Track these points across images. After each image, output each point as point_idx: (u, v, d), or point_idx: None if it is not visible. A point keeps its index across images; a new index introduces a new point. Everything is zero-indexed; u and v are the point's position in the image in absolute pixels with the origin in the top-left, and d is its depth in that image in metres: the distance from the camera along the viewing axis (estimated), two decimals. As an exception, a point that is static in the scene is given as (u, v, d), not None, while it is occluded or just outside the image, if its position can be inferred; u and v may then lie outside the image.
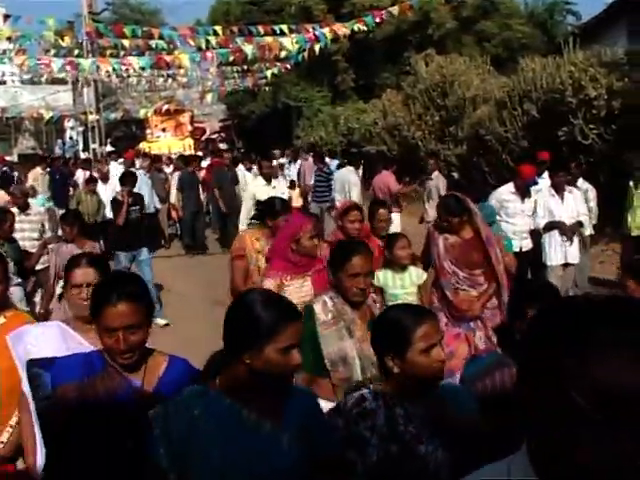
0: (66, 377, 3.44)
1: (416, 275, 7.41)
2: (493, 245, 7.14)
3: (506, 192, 11.97)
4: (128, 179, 13.61)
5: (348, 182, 16.13)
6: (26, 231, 11.50)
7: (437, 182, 15.52)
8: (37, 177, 21.63)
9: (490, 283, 7.13)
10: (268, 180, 13.69)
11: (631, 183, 12.37)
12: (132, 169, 19.36)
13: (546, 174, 13.25)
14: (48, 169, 23.00)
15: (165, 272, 15.94)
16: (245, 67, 32.95)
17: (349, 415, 3.37)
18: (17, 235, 10.84)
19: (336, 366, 4.67)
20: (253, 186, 13.74)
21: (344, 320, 4.75)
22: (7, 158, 35.84)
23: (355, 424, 3.33)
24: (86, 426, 3.29)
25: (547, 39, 38.17)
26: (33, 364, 3.55)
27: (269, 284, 5.94)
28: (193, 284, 15.44)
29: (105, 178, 18.59)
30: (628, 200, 12.40)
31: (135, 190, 16.59)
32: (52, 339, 3.96)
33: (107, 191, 17.65)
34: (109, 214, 16.74)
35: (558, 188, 11.40)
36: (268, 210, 7.72)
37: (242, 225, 12.01)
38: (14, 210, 11.26)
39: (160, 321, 11.94)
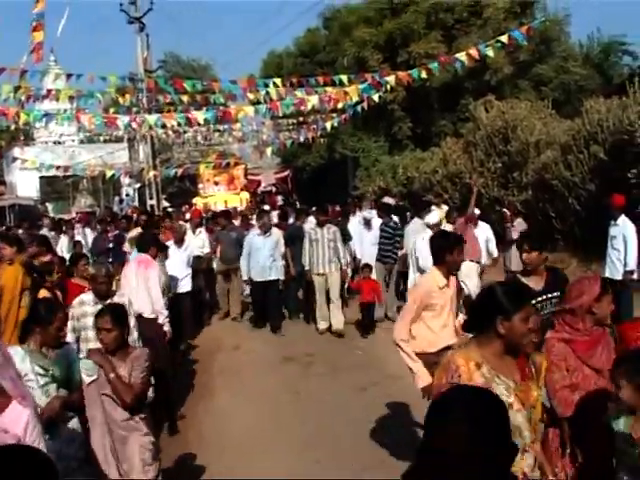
0: None
1: None
2: None
3: None
4: None
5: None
6: None
7: (521, 229, 15.00)
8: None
9: None
10: None
11: None
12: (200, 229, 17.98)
13: (621, 218, 12.92)
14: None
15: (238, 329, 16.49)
16: (301, 119, 32.89)
17: None
18: (91, 334, 7.85)
19: None
20: None
21: None
22: (65, 217, 36.05)
23: None
24: None
25: (604, 80, 37.75)
26: None
27: None
28: (263, 341, 15.50)
29: (181, 241, 15.33)
30: None
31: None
32: None
33: (182, 258, 14.91)
34: (183, 288, 14.80)
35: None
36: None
37: None
38: (88, 298, 8.67)
39: None
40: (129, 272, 10.81)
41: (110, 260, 15.96)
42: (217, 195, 34.49)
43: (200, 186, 35.97)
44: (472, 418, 2.61)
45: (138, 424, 6.25)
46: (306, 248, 15.75)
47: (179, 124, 22.44)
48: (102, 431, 6.21)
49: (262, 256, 16.22)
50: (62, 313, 6.65)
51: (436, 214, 14.05)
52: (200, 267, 16.86)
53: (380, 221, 17.23)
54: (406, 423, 9.57)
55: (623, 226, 12.85)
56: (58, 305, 7.01)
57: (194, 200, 33.54)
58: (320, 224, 15.87)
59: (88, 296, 8.71)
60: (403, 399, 10.50)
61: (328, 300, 15.67)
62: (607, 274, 13.19)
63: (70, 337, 8.16)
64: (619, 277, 12.69)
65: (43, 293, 8.95)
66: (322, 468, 8.22)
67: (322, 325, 15.85)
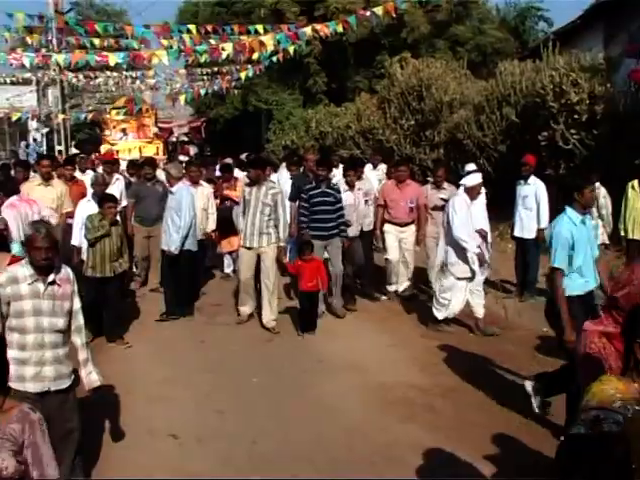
0: None
1: None
2: None
3: None
4: None
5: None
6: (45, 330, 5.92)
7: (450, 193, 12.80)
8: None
9: None
10: None
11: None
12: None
13: (532, 178, 13.03)
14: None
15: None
16: (215, 69, 32.37)
17: None
18: (29, 322, 5.79)
19: None
20: None
21: None
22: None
23: None
24: None
25: (519, 44, 38.20)
26: None
27: None
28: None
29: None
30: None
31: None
32: None
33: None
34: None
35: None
36: None
37: None
38: (23, 272, 5.84)
39: None
40: None
41: None
42: (128, 143, 33.53)
43: (107, 133, 34.69)
44: None
45: None
46: (239, 212, 12.25)
47: (90, 67, 21.80)
48: None
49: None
50: None
51: (478, 176, 11.36)
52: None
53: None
54: (309, 374, 9.56)
55: (535, 185, 12.96)
56: None
57: (102, 147, 32.31)
58: (252, 182, 11.61)
59: (23, 269, 5.85)
60: (307, 351, 10.52)
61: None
62: (517, 233, 13.36)
63: None
64: (530, 236, 12.88)
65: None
66: (223, 419, 8.13)
67: (245, 310, 12.05)
